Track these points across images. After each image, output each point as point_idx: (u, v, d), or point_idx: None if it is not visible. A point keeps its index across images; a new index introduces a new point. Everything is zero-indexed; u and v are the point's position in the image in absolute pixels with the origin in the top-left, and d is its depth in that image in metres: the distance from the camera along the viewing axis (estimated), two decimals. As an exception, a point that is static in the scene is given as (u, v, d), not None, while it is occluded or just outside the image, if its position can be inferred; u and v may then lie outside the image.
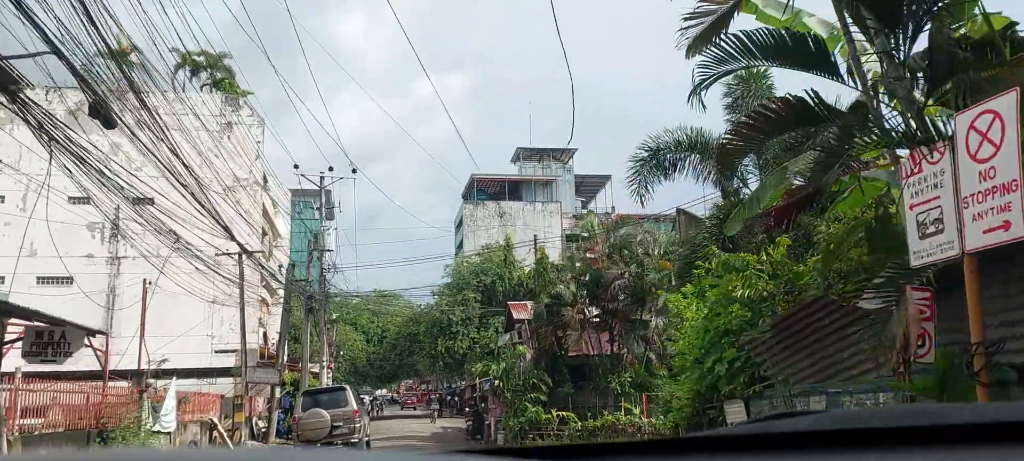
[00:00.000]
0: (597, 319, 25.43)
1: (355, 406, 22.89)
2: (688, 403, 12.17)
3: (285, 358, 32.70)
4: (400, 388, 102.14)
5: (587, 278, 24.74)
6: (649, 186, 17.45)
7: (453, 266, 55.88)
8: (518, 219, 74.15)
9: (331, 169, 32.88)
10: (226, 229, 26.02)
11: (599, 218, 25.67)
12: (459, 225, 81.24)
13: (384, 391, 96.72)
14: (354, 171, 31.93)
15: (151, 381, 21.01)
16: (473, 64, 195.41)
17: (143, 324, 24.73)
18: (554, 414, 23.14)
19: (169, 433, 20.57)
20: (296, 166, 32.57)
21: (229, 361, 39.09)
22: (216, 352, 39.37)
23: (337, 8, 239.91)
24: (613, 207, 72.01)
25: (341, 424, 22.33)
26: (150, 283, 26.98)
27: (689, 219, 31.02)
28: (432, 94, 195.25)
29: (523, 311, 31.04)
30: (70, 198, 31.95)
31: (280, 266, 41.02)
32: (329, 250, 33.01)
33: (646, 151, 17.44)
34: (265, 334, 43.69)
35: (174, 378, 21.46)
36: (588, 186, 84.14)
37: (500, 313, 50.10)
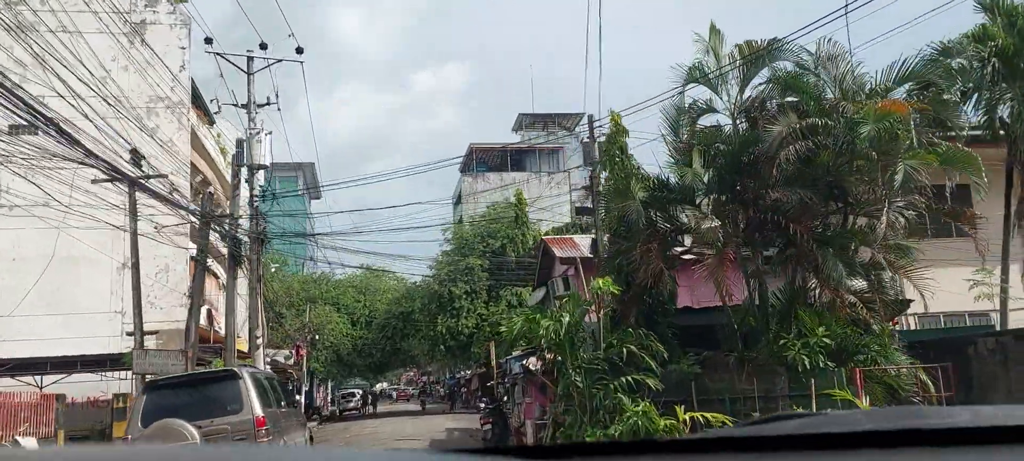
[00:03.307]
0: (732, 234, 12.27)
1: (259, 411, 9.78)
2: None
3: (195, 335, 19.43)
4: (401, 379, 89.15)
5: (717, 152, 11.68)
6: None
7: (453, 230, 42.91)
8: (522, 191, 62.42)
9: (264, 47, 19.69)
10: (63, 132, 12.71)
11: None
12: (458, 202, 69.00)
13: (385, 385, 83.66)
14: (299, 50, 18.52)
15: None
16: (471, 57, 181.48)
17: None
18: (685, 417, 10.05)
19: None
20: (208, 40, 19.30)
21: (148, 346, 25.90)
22: (128, 335, 26.41)
23: (335, 2, 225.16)
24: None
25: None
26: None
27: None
28: (430, 88, 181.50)
29: (570, 247, 17.97)
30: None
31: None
32: (263, 167, 19.73)
33: None
34: (210, 312, 30.39)
35: None
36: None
37: (517, 283, 37.32)
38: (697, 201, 11.78)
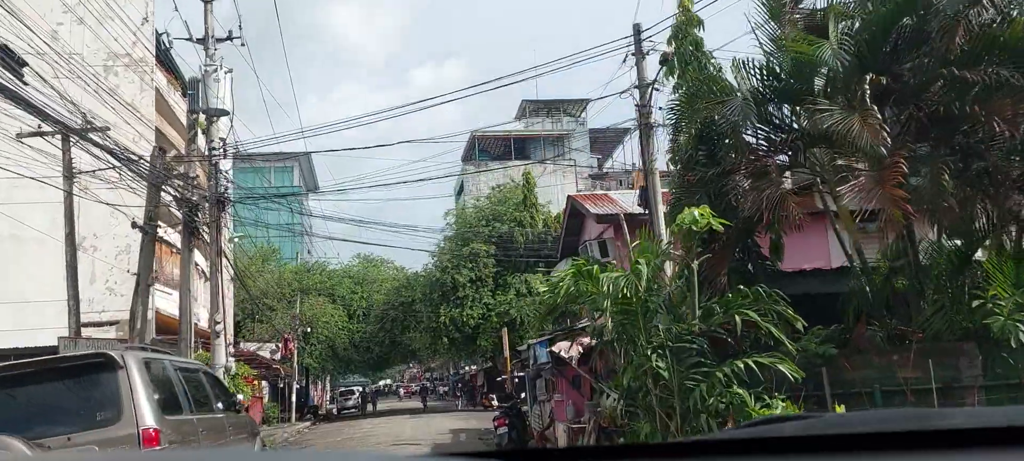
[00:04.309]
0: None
1: (149, 420, 5.71)
2: None
3: (143, 322, 15.32)
4: (405, 376, 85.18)
5: (849, 31, 7.62)
6: None
7: (456, 212, 38.92)
8: (531, 172, 58.84)
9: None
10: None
11: None
12: (459, 192, 65.32)
13: (389, 381, 79.81)
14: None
15: None
16: (471, 52, 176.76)
17: None
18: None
19: None
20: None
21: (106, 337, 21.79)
22: (84, 326, 22.29)
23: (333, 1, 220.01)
24: (633, 163, 55.82)
25: None
26: None
27: None
28: (429, 84, 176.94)
29: (606, 203, 13.88)
30: None
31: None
32: (224, 112, 15.61)
33: None
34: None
35: None
36: (605, 141, 67.69)
37: (526, 270, 33.32)
38: (826, 93, 7.65)
